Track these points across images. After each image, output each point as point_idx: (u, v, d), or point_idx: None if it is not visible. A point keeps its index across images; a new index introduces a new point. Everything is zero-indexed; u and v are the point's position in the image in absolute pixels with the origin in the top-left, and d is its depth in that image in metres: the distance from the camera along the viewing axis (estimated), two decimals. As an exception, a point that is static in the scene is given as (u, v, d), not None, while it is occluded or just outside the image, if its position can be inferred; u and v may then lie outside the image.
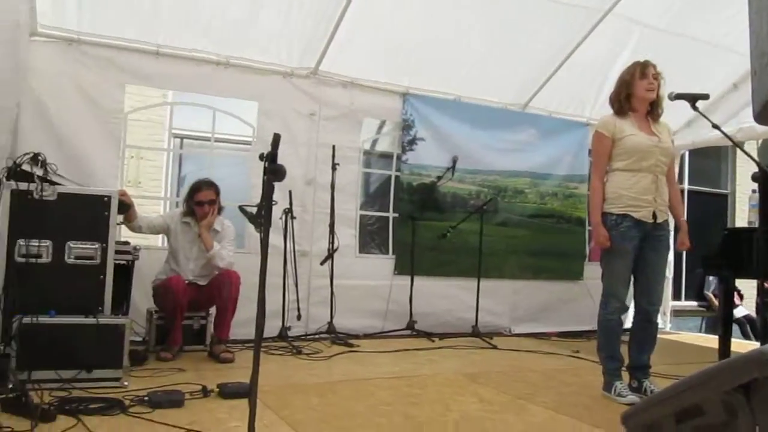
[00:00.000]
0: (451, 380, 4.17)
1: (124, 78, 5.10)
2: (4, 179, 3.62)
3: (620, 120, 3.86)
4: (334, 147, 5.66)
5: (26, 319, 3.37)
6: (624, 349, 3.91)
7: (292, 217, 5.30)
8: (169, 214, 4.90)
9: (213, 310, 4.70)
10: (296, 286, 5.40)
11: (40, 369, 3.34)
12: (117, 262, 3.98)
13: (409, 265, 5.97)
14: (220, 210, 4.71)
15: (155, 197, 8.06)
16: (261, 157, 1.98)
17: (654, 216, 3.79)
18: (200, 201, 4.61)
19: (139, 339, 4.64)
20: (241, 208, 2.26)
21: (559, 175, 6.90)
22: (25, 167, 3.71)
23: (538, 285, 6.70)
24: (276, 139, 1.93)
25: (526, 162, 6.72)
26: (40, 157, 3.79)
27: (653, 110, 3.90)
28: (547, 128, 6.77)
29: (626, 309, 3.92)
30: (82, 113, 4.94)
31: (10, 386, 3.19)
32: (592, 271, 6.85)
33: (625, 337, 3.95)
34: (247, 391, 3.37)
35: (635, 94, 3.83)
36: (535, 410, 3.49)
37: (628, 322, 4.09)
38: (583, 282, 6.83)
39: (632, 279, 3.89)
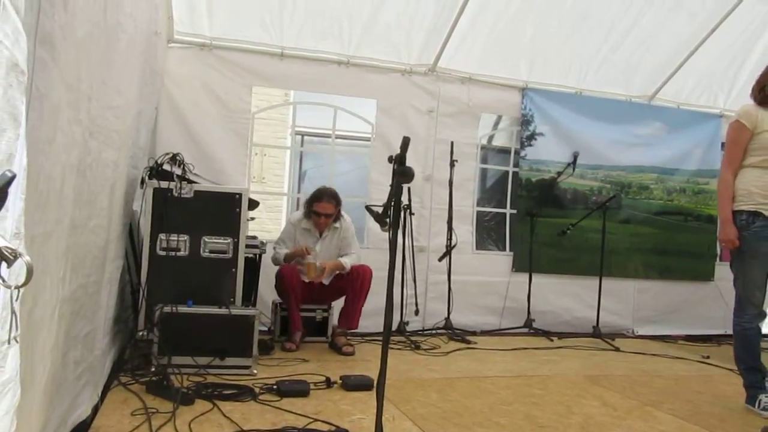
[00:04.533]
0: (572, 382, 4.08)
1: (251, 80, 5.35)
2: (147, 178, 3.92)
3: (763, 112, 3.59)
4: (452, 143, 5.68)
5: (167, 308, 3.62)
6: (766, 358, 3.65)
7: (411, 213, 5.37)
8: (289, 226, 4.91)
9: (335, 304, 4.87)
10: (414, 281, 5.47)
11: (178, 355, 3.57)
12: (246, 255, 4.19)
13: (527, 262, 5.89)
14: (337, 217, 4.76)
15: (278, 193, 8.40)
16: (390, 159, 2.03)
17: None
18: (318, 212, 4.68)
19: (265, 329, 4.86)
20: (368, 208, 2.32)
21: (689, 170, 6.57)
22: (166, 167, 3.99)
23: (664, 285, 6.43)
24: (405, 142, 1.97)
25: (652, 157, 6.45)
26: (178, 158, 4.07)
27: None
28: (676, 121, 6.46)
29: (764, 316, 3.64)
30: (213, 114, 5.23)
31: (152, 370, 3.46)
32: (725, 271, 6.49)
33: (765, 344, 3.70)
34: (369, 385, 3.50)
35: None
36: (663, 418, 3.36)
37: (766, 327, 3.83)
38: (714, 283, 6.49)
39: None
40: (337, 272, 4.74)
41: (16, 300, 0.79)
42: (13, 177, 0.80)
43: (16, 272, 0.80)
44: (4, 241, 0.76)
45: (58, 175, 1.67)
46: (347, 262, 4.71)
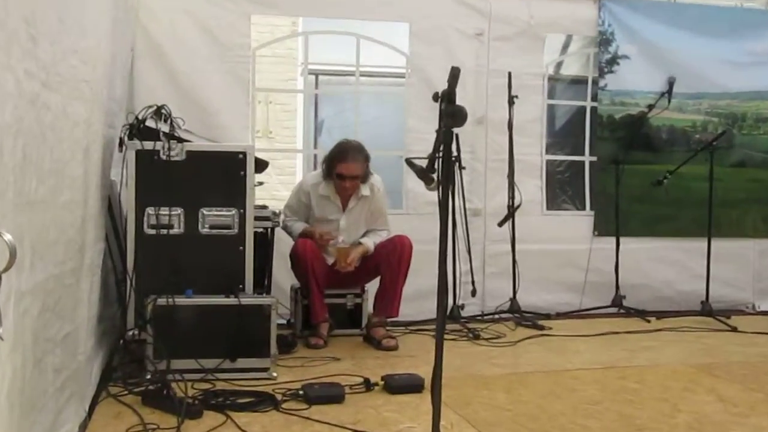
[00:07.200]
0: (677, 372, 4.09)
1: (248, 7, 5.34)
2: (127, 138, 3.93)
3: None
4: (510, 74, 5.62)
5: (161, 301, 3.69)
6: None
7: (461, 167, 5.34)
8: (301, 192, 4.88)
9: (369, 287, 4.92)
10: (469, 253, 5.49)
11: (178, 357, 3.62)
12: (255, 230, 4.21)
13: (613, 223, 5.87)
14: (365, 177, 4.72)
15: (289, 150, 8.43)
16: (435, 97, 2.03)
17: None
18: (342, 174, 4.62)
19: (284, 321, 4.92)
20: (409, 162, 2.32)
21: (824, 94, 6.44)
22: (149, 123, 4.01)
23: (794, 246, 6.34)
24: (454, 74, 1.98)
25: (774, 79, 6.33)
26: (164, 111, 4.06)
27: None
28: (805, 30, 6.32)
29: None
30: (203, 53, 5.25)
31: (148, 377, 3.55)
32: None
33: None
34: (418, 385, 3.55)
35: None
36: (797, 413, 3.36)
37: None
38: None
39: None
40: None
41: (-1, 290, 0.82)
42: None
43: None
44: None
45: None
46: (370, 244, 4.75)
